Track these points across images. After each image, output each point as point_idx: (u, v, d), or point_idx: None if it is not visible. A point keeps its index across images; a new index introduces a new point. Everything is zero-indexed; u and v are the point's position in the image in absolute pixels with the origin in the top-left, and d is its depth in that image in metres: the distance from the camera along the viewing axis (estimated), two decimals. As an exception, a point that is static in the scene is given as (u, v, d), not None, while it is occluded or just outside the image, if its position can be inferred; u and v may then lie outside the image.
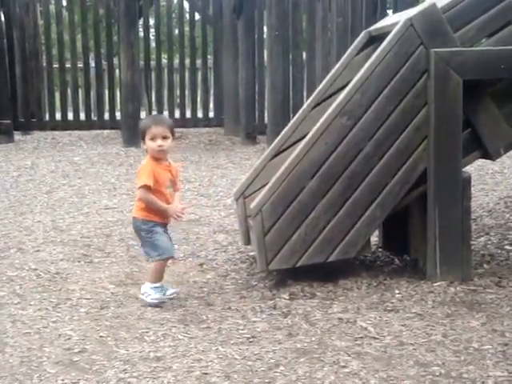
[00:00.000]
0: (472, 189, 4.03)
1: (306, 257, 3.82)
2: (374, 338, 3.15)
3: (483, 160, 6.40)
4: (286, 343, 3.11)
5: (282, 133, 4.47)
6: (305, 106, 4.51)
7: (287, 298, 3.69)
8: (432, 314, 3.41)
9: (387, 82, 3.77)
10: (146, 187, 3.54)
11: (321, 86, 4.48)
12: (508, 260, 4.24)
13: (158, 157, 3.60)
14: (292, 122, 4.49)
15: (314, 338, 3.16)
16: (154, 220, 3.62)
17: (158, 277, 3.65)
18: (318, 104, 4.36)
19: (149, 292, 3.61)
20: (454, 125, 3.73)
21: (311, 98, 4.49)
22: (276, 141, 4.48)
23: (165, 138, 3.58)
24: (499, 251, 4.42)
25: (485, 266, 4.12)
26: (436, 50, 3.69)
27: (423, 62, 3.75)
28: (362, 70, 3.84)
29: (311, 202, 3.81)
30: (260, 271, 3.96)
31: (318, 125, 3.87)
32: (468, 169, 4.30)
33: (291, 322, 3.36)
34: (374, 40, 4.35)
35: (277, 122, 8.15)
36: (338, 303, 3.59)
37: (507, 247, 4.50)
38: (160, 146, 3.57)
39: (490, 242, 4.62)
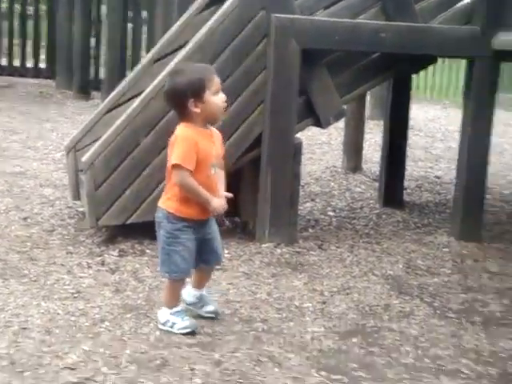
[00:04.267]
0: (301, 157, 4.17)
1: (137, 214, 3.77)
2: (202, 295, 3.18)
3: (314, 130, 6.67)
4: (112, 299, 3.06)
5: (119, 87, 4.33)
6: (144, 61, 4.41)
7: (116, 254, 3.62)
8: (258, 273, 3.51)
9: (228, 42, 3.78)
10: (186, 170, 2.64)
11: (160, 42, 4.40)
12: (330, 225, 4.46)
13: (218, 120, 2.75)
14: (130, 76, 4.37)
15: (141, 295, 3.13)
16: (188, 217, 2.70)
17: (173, 299, 2.81)
18: (158, 60, 4.27)
19: (172, 320, 2.78)
20: (290, 91, 3.83)
21: (150, 54, 4.39)
22: (112, 94, 4.34)
23: None
24: (323, 217, 4.64)
25: (309, 230, 4.31)
26: (277, 15, 3.75)
27: (264, 27, 3.79)
28: (204, 30, 3.81)
29: (146, 158, 3.74)
30: (89, 227, 3.85)
31: (156, 81, 3.79)
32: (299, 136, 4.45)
33: (119, 279, 3.31)
34: (216, 1, 4.32)
35: (113, 78, 7.90)
36: (168, 261, 3.58)
37: (330, 213, 4.73)
38: (224, 102, 2.70)
39: (315, 208, 4.83)
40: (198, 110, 2.63)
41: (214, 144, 2.71)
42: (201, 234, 2.77)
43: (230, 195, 2.79)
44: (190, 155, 2.62)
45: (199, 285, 2.94)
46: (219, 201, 2.71)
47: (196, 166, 2.64)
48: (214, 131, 2.76)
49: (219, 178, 2.77)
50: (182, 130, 2.67)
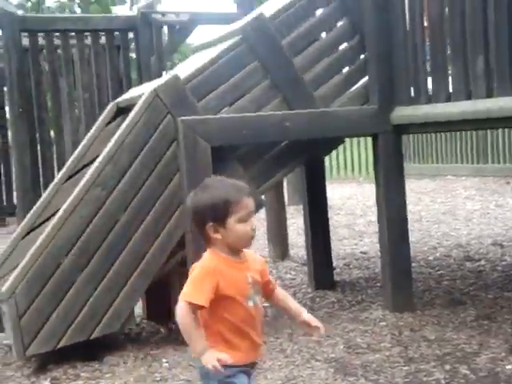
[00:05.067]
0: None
1: (67, 337, 3.64)
2: (145, 411, 3.06)
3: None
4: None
5: (34, 209, 4.26)
6: (56, 179, 4.37)
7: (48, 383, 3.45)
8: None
9: (139, 150, 3.81)
10: (191, 305, 2.13)
11: (71, 158, 4.38)
12: (267, 316, 4.37)
13: (244, 248, 2.27)
14: (43, 197, 4.31)
15: (80, 422, 2.98)
16: (237, 363, 2.18)
17: None
18: (70, 177, 4.25)
19: None
20: (205, 189, 3.84)
21: (62, 172, 4.36)
22: (27, 218, 4.25)
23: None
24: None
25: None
26: (183, 118, 3.82)
27: (172, 131, 3.84)
28: (113, 140, 3.84)
29: (69, 278, 3.66)
30: (17, 359, 3.66)
31: (72, 198, 3.76)
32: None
33: (55, 409, 3.14)
34: (123, 111, 4.38)
35: (27, 201, 7.74)
36: (105, 381, 3.44)
37: (264, 304, 4.65)
38: (254, 231, 2.24)
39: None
40: (218, 237, 2.19)
41: (247, 270, 2.23)
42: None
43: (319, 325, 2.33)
44: (201, 288, 2.14)
45: None
46: (212, 356, 2.10)
47: (226, 304, 2.17)
48: (248, 254, 2.28)
49: (284, 296, 2.38)
50: (205, 259, 2.24)
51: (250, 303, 2.22)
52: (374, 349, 3.65)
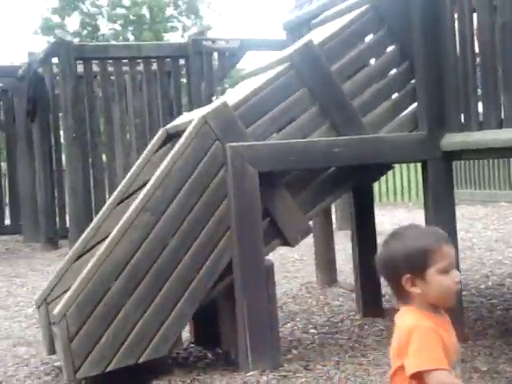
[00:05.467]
0: (276, 276, 4.16)
1: (116, 360, 3.67)
2: None
3: (285, 249, 6.69)
4: None
5: (85, 233, 4.34)
6: (107, 204, 4.45)
7: (97, 406, 3.49)
8: (247, 404, 3.40)
9: (188, 176, 3.85)
10: (443, 372, 1.85)
11: (122, 183, 4.47)
12: (314, 343, 4.38)
13: (448, 305, 1.99)
14: (94, 221, 4.39)
15: None
16: None
17: None
18: (121, 202, 4.33)
19: None
20: (253, 215, 3.87)
21: (113, 197, 4.44)
22: (79, 242, 4.34)
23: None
24: (305, 335, 4.56)
25: (293, 351, 4.22)
26: (231, 144, 3.86)
27: (220, 157, 3.88)
28: (162, 166, 3.90)
29: (118, 302, 3.70)
30: (67, 381, 3.72)
31: (122, 222, 3.82)
32: (271, 257, 4.45)
33: (103, 432, 3.17)
34: (172, 137, 4.45)
35: (79, 224, 7.94)
36: (152, 405, 3.47)
37: (312, 331, 4.66)
38: (458, 284, 1.97)
39: (296, 328, 4.75)
40: (416, 291, 1.95)
41: (453, 333, 1.99)
42: None
43: None
44: (439, 351, 1.86)
45: None
46: None
47: None
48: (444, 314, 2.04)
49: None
50: (412, 318, 1.94)
51: (452, 373, 1.91)
52: (423, 379, 3.58)
